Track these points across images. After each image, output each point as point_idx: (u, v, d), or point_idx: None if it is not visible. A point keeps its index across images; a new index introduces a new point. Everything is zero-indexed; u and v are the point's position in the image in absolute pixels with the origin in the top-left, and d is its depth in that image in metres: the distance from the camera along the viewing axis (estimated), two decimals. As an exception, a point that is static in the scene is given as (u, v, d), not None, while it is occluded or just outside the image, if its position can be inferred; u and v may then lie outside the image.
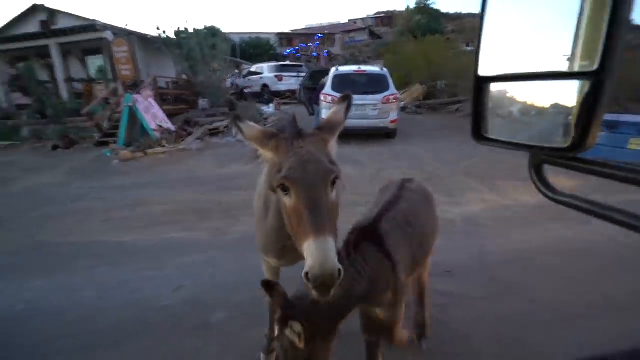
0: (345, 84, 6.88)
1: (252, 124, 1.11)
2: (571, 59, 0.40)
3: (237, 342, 2.00)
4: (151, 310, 2.32)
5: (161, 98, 9.82)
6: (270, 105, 11.01)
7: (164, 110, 8.35)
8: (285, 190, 0.99)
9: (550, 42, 0.44)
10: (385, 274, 1.27)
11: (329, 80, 7.22)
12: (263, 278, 1.81)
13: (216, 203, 4.10)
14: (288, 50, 21.85)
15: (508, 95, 0.53)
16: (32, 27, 11.77)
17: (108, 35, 10.60)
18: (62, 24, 11.55)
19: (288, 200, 0.99)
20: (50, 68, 11.70)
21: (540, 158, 0.51)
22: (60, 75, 11.34)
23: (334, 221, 1.01)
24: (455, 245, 2.96)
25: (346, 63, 10.15)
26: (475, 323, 2.10)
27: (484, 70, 0.51)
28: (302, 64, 15.82)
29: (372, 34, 26.31)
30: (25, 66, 10.35)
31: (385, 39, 23.12)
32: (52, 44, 11.05)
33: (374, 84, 6.93)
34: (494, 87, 0.52)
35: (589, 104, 0.39)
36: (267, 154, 1.07)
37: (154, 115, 7.73)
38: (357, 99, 6.72)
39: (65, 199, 4.64)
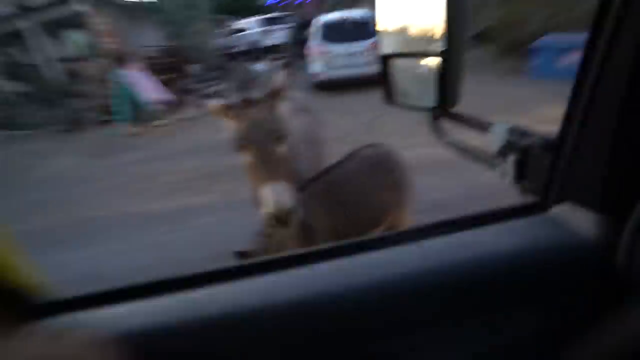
0: (330, 32, 6.68)
1: (213, 101, 1.31)
2: (434, 43, 0.56)
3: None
4: (182, 263, 2.76)
5: (151, 68, 9.67)
6: (263, 63, 10.77)
7: (157, 81, 8.32)
8: (242, 150, 1.22)
9: (424, 30, 0.61)
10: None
11: (314, 31, 7.01)
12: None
13: (223, 167, 4.41)
14: (270, 0, 20.36)
15: (405, 69, 0.72)
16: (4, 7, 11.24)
17: (84, 7, 10.15)
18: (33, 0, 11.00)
19: (245, 159, 1.22)
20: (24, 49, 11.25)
21: (436, 112, 0.69)
22: (39, 56, 11.05)
23: (286, 170, 1.21)
24: (448, 182, 3.31)
25: (334, 8, 9.55)
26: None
27: (384, 50, 0.71)
28: (292, 13, 14.94)
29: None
30: (13, 50, 10.09)
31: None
32: (27, 23, 10.63)
33: (361, 30, 6.71)
34: (395, 62, 0.72)
35: (441, 75, 0.58)
36: (229, 124, 1.27)
37: (147, 88, 7.75)
38: (344, 48, 6.61)
39: (89, 178, 5.00)
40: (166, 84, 8.65)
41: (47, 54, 11.15)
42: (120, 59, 8.88)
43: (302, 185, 1.43)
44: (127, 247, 3.07)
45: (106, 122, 7.54)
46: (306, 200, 1.37)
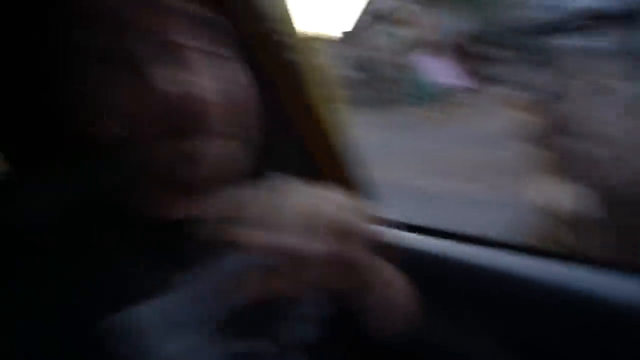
0: None
1: (509, 92, 1.34)
2: None
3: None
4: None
5: (452, 54, 10.16)
6: (583, 40, 8.52)
7: (458, 67, 8.78)
8: (536, 146, 1.30)
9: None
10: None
11: None
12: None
13: (501, 159, 4.35)
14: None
15: None
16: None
17: (398, 2, 11.82)
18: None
19: (537, 155, 1.31)
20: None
21: None
22: (369, 49, 14.12)
23: (579, 172, 1.13)
24: None
25: None
26: None
27: None
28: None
29: None
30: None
31: None
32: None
33: None
34: None
35: None
36: (522, 117, 1.37)
37: (446, 73, 8.39)
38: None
39: (386, 149, 6.49)
40: (465, 69, 9.01)
41: (374, 47, 14.24)
42: (426, 47, 10.00)
43: (596, 193, 1.23)
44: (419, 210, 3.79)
45: (406, 103, 9.08)
46: (595, 211, 1.19)
